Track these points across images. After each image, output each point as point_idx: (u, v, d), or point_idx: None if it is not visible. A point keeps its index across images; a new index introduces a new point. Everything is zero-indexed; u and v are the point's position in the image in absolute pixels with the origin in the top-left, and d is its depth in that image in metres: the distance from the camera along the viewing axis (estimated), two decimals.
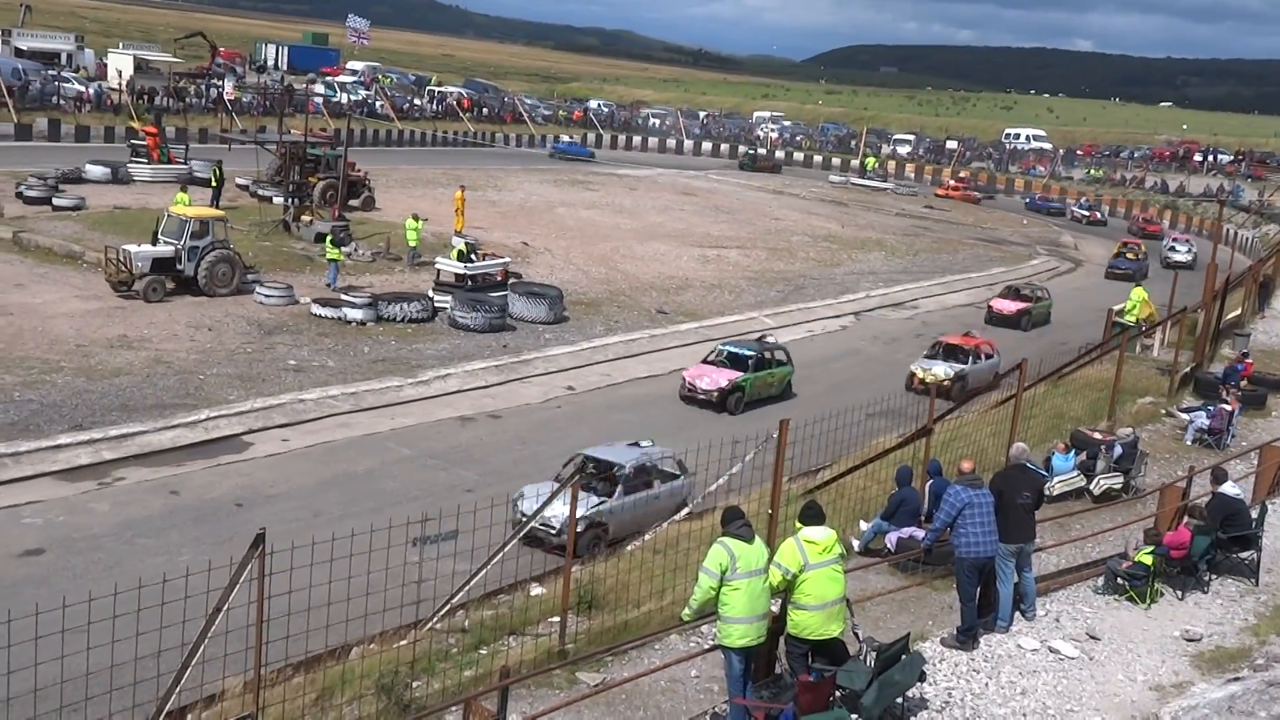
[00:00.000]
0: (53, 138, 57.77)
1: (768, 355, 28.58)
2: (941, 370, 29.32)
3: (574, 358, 30.46)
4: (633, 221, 53.57)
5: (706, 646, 11.16)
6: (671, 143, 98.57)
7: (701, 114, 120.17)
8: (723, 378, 27.41)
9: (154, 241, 31.21)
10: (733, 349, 28.57)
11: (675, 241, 49.29)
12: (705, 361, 28.53)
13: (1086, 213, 77.55)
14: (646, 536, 16.57)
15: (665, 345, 32.84)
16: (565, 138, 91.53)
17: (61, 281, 31.25)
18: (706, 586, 9.85)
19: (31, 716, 9.83)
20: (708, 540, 11.16)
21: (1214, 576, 14.45)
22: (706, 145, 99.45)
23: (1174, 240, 62.08)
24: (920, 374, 29.28)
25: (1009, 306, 40.55)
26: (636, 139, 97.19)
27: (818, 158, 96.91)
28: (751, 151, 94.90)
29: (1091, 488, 17.72)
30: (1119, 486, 17.86)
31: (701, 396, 27.24)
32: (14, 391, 22.81)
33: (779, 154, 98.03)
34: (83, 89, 66.83)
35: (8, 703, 9.57)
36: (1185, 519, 14.78)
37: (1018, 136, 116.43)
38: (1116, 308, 34.05)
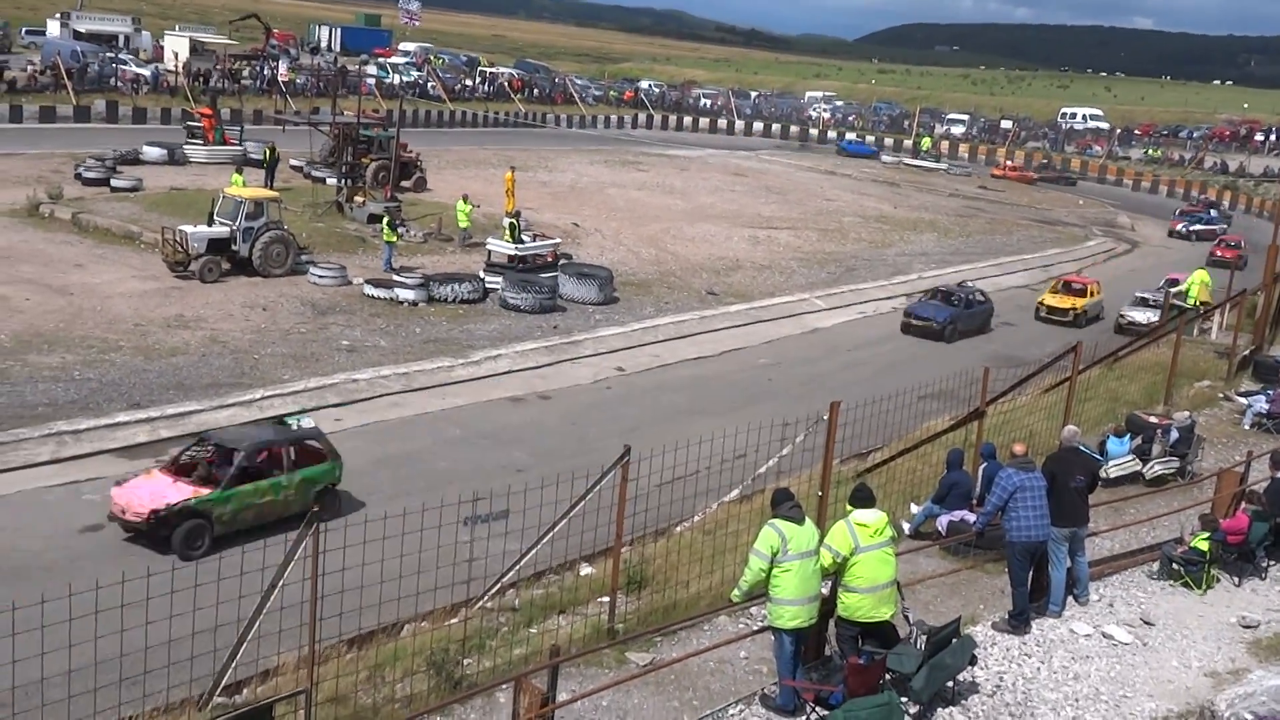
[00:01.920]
0: (110, 119, 58.40)
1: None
2: None
3: (624, 339, 30.47)
4: (683, 202, 53.39)
5: (756, 628, 11.17)
6: (722, 123, 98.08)
7: (753, 94, 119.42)
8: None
9: (210, 222, 31.53)
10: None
11: (726, 222, 49.07)
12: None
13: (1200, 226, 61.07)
14: (696, 518, 16.57)
15: (716, 326, 32.76)
16: (851, 136, 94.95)
17: (119, 262, 31.70)
18: (757, 568, 9.85)
19: (92, 689, 10.01)
20: (757, 522, 11.14)
21: (1272, 563, 14.27)
22: (758, 125, 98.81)
23: (1140, 293, 37.10)
24: None
25: None
26: (687, 119, 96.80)
27: (870, 138, 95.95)
28: (1046, 161, 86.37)
29: (1144, 472, 17.50)
30: (1173, 472, 17.64)
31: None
32: (74, 370, 23.22)
33: (830, 134, 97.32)
34: (140, 71, 67.67)
35: (69, 675, 9.76)
36: (1243, 504, 14.59)
37: (1074, 116, 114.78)
38: (1175, 290, 33.47)
